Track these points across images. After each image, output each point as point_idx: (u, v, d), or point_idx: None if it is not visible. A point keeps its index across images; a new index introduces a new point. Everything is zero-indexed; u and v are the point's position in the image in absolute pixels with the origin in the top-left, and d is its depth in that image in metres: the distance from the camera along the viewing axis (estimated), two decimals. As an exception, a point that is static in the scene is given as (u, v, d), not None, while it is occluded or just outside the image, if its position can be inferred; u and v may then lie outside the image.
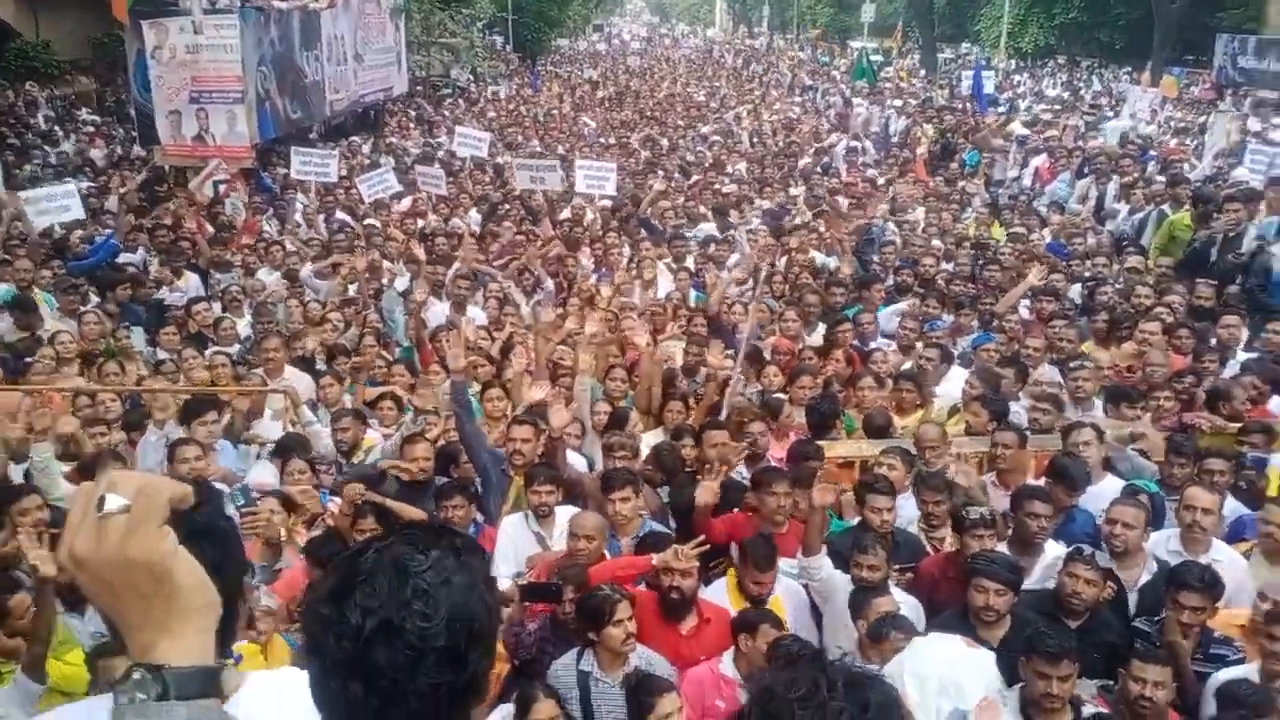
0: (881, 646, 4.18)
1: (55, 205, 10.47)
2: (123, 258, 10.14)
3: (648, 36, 73.20)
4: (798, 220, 11.79)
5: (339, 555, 1.40)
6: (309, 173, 13.16)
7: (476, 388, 6.80)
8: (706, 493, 5.17)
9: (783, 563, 4.91)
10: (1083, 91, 31.30)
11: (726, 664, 4.47)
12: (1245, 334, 7.83)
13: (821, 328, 8.26)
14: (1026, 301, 8.81)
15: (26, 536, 4.24)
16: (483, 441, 5.87)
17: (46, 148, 17.48)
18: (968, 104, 22.23)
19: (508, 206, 13.08)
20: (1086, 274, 9.75)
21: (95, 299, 8.91)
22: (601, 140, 20.03)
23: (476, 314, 8.79)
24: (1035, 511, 4.90)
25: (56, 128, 19.81)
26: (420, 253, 9.60)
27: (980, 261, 10.12)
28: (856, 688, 1.44)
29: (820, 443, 6.02)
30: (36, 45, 24.00)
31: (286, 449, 5.89)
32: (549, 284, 9.67)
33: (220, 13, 14.72)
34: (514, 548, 5.21)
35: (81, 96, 23.59)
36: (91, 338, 7.71)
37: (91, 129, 20.20)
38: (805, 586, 4.98)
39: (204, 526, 1.66)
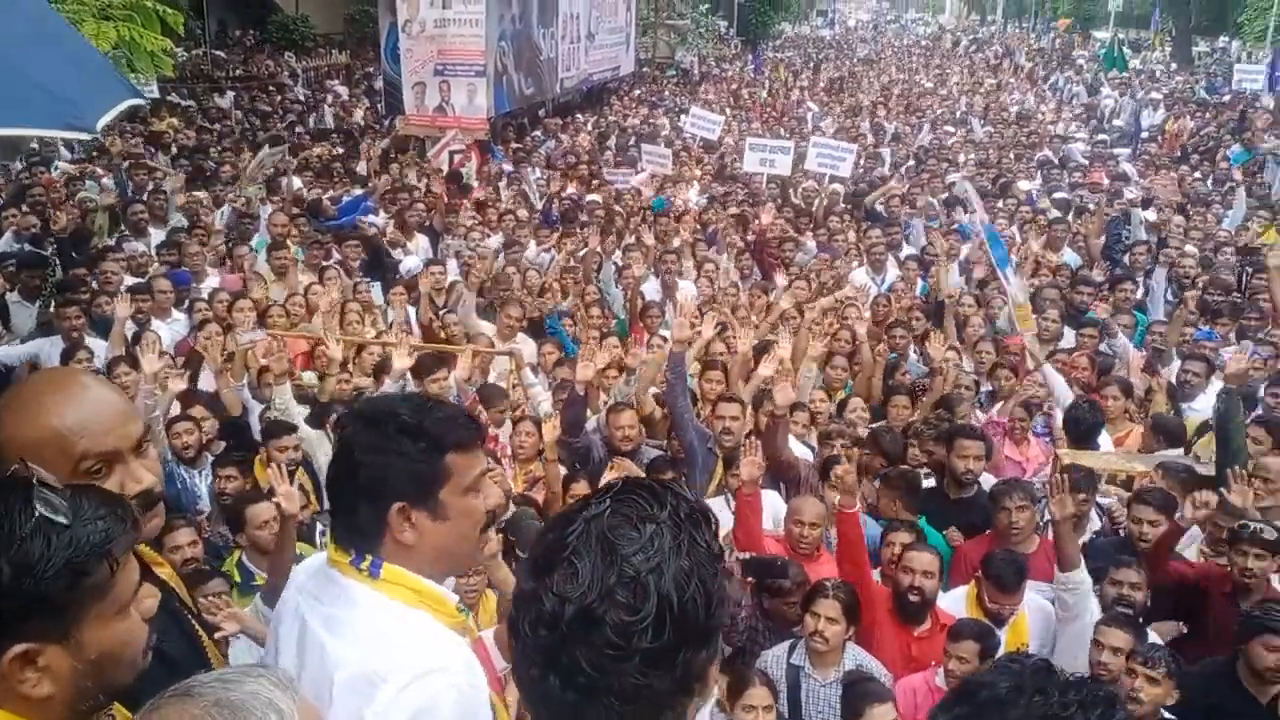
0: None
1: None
2: (369, 219, 10.68)
3: (872, 23, 71.10)
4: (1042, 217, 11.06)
5: (550, 521, 1.23)
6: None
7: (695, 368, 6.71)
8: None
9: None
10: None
11: (942, 675, 4.20)
12: None
13: (1068, 332, 7.70)
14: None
15: (276, 473, 4.37)
16: (692, 418, 5.78)
17: (292, 117, 18.60)
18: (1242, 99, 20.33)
19: (725, 188, 12.95)
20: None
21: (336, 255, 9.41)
22: (822, 126, 19.54)
23: (688, 288, 8.70)
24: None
25: (305, 92, 21.09)
26: (649, 238, 9.68)
27: (1249, 270, 9.15)
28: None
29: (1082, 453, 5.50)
30: (296, 19, 25.82)
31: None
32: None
33: (468, -13, 15.27)
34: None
35: (333, 69, 25.06)
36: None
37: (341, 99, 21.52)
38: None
39: None
